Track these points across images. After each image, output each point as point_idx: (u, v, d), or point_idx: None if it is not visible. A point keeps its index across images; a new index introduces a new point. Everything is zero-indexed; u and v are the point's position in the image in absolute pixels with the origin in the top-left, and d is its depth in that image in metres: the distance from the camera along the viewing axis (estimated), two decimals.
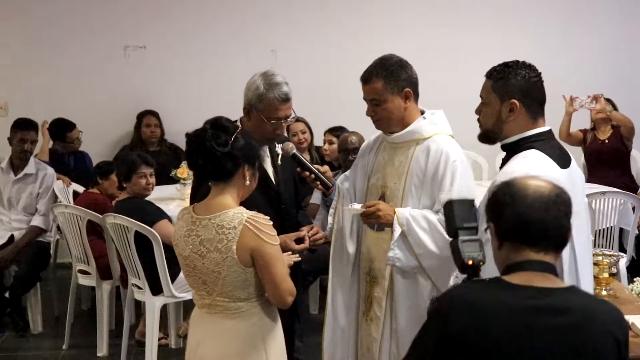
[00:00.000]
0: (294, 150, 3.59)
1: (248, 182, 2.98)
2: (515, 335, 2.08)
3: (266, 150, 3.64)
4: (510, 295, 2.12)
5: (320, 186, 3.60)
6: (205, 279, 2.93)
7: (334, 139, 6.32)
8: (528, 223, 2.17)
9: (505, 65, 2.98)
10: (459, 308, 2.14)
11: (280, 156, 3.66)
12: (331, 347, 3.69)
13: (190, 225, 2.94)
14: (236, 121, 3.34)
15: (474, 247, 2.44)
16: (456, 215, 2.56)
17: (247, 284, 2.90)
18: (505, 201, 2.20)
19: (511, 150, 2.89)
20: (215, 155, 2.87)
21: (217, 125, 2.93)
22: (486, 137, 3.01)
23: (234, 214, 2.87)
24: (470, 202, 2.61)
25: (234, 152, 2.89)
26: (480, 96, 3.01)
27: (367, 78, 3.41)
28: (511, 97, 2.90)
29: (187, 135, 2.97)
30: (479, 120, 3.01)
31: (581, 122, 7.11)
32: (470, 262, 2.41)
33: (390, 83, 3.37)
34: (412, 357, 2.25)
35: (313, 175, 3.56)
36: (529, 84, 2.92)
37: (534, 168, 2.65)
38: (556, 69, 7.64)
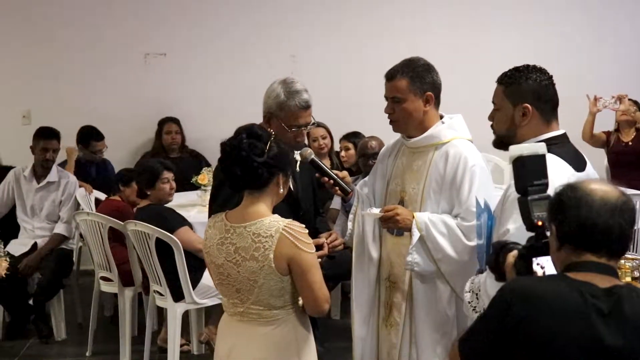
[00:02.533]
0: (313, 156, 3.58)
1: (282, 190, 2.98)
2: (576, 331, 2.07)
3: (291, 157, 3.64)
4: (572, 291, 2.10)
5: (339, 192, 3.59)
6: (239, 287, 2.92)
7: (350, 145, 6.32)
8: (592, 228, 2.14)
9: (516, 69, 2.97)
10: (520, 299, 2.12)
11: (298, 163, 3.65)
12: (362, 353, 3.68)
13: (224, 234, 2.93)
14: None
15: (543, 206, 2.34)
16: (527, 171, 2.43)
17: (283, 292, 2.90)
18: (571, 204, 2.17)
19: None
20: (252, 165, 2.87)
21: (252, 133, 2.92)
22: (500, 142, 3.00)
23: (270, 222, 2.87)
24: (542, 158, 2.45)
25: (270, 160, 2.89)
26: (493, 102, 3.01)
27: (392, 75, 3.42)
28: (523, 102, 2.89)
29: (222, 144, 2.95)
30: (492, 126, 3.00)
31: (605, 123, 7.05)
32: (539, 223, 2.32)
33: (414, 84, 3.37)
34: (469, 344, 2.23)
35: (332, 181, 3.55)
36: (541, 87, 2.91)
37: (549, 171, 2.63)
38: (579, 69, 7.66)
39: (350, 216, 3.61)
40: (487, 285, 2.67)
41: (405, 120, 3.42)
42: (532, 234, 2.34)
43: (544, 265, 2.28)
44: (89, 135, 6.94)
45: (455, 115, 3.50)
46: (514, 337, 2.11)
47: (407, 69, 3.40)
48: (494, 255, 2.48)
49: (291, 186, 3.60)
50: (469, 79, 7.34)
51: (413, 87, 3.37)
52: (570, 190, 2.21)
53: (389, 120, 3.48)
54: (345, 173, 3.65)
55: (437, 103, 3.46)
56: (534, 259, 2.29)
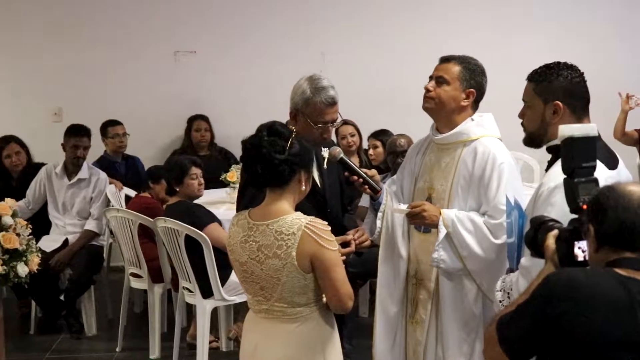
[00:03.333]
0: (342, 155, 3.57)
1: (304, 187, 2.98)
2: (620, 326, 2.06)
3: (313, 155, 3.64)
4: (618, 286, 2.10)
5: (368, 190, 3.58)
6: (263, 285, 2.93)
7: (378, 143, 6.30)
8: (632, 229, 2.14)
9: (547, 67, 2.94)
10: (564, 291, 2.11)
11: (325, 160, 3.65)
12: (382, 353, 3.67)
13: (247, 231, 2.94)
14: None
15: (590, 189, 2.31)
16: (576, 152, 2.38)
17: (306, 289, 2.91)
18: (609, 205, 2.16)
19: (557, 153, 2.85)
20: (273, 162, 2.87)
21: (273, 131, 2.92)
22: (531, 140, 2.98)
23: (292, 220, 2.87)
24: (593, 140, 2.41)
25: (291, 158, 2.89)
26: (523, 100, 2.99)
27: (448, 58, 3.46)
28: (554, 99, 2.87)
29: (244, 142, 2.96)
30: (522, 124, 2.98)
31: (637, 122, 6.97)
32: (585, 207, 2.29)
33: (465, 74, 3.40)
34: (509, 328, 2.22)
35: (361, 179, 3.54)
36: (572, 84, 2.89)
37: None
38: (611, 66, 7.58)
39: (379, 214, 3.60)
40: (520, 284, 2.66)
41: (440, 103, 3.41)
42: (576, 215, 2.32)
43: (585, 249, 2.26)
44: (105, 125, 7.01)
45: (485, 114, 3.49)
46: (555, 328, 2.10)
47: (464, 60, 3.44)
48: (532, 231, 2.46)
49: (318, 183, 3.60)
50: (498, 77, 7.28)
51: (462, 76, 3.39)
52: (608, 192, 2.20)
53: (424, 96, 3.45)
54: (374, 171, 3.64)
55: (474, 105, 3.45)
56: (575, 242, 2.27)
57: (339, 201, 3.78)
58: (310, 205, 3.23)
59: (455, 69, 3.40)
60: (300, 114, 3.55)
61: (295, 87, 3.59)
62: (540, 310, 2.13)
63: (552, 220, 2.44)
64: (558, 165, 2.74)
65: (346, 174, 3.56)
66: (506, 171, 3.30)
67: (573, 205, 2.34)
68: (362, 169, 3.59)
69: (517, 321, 2.20)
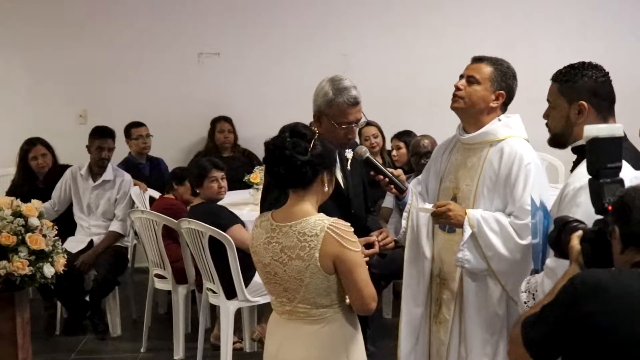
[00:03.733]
0: (367, 154, 3.57)
1: (326, 188, 2.98)
2: None
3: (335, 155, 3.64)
4: None
5: (394, 190, 3.56)
6: (286, 286, 2.93)
7: (401, 144, 6.29)
8: None
9: (571, 67, 2.93)
10: (590, 292, 2.09)
11: (349, 161, 3.65)
12: (406, 353, 3.66)
13: (270, 233, 2.94)
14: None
15: (615, 190, 2.29)
16: (602, 153, 2.37)
17: (329, 290, 2.90)
18: (635, 206, 2.14)
19: (582, 153, 2.83)
20: (296, 163, 2.87)
21: (295, 132, 2.92)
22: (556, 141, 2.97)
23: (315, 221, 2.87)
24: (618, 140, 2.40)
25: (313, 159, 2.89)
26: (548, 100, 2.97)
27: (480, 58, 3.45)
28: (579, 99, 2.85)
29: (266, 143, 2.96)
30: (547, 124, 2.97)
31: None
32: (610, 208, 2.27)
33: (496, 75, 3.39)
34: (534, 329, 2.21)
35: (387, 179, 3.53)
36: (597, 84, 2.87)
37: None
38: (637, 67, 7.51)
39: (404, 214, 3.59)
40: (545, 285, 2.64)
41: (469, 102, 3.40)
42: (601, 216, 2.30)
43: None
44: (129, 126, 7.08)
45: (512, 115, 3.47)
46: (580, 329, 2.08)
47: (497, 62, 3.43)
48: (555, 231, 2.44)
49: (342, 185, 3.60)
50: (522, 78, 7.25)
51: (493, 77, 3.38)
52: (633, 192, 2.18)
53: (453, 94, 3.44)
54: (399, 171, 3.63)
55: (503, 107, 3.44)
56: None
57: (362, 202, 3.77)
58: (334, 206, 3.23)
59: (487, 69, 3.39)
60: (323, 116, 3.55)
61: (318, 89, 3.59)
62: (565, 311, 2.11)
63: (576, 220, 2.43)
64: (583, 166, 2.71)
65: (372, 173, 3.55)
66: (533, 172, 3.29)
67: (598, 206, 2.32)
68: (388, 169, 3.58)
69: (542, 322, 2.19)
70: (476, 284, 3.39)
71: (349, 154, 3.66)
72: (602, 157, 2.36)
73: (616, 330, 2.05)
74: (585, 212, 2.52)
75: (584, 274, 2.23)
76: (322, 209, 2.99)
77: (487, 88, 3.38)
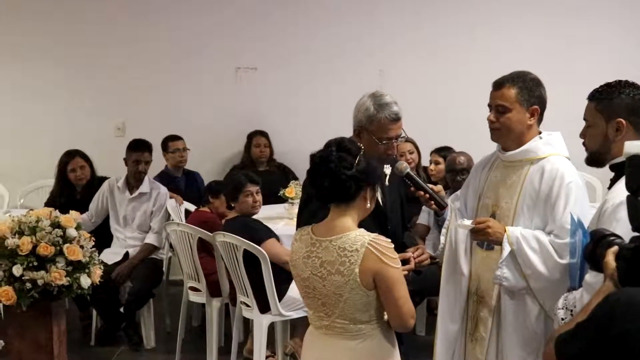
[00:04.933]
0: (408, 170, 3.55)
1: (369, 204, 2.98)
2: None
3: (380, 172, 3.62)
4: None
5: (434, 206, 3.55)
6: (325, 301, 2.93)
7: (440, 160, 6.27)
8: None
9: (608, 85, 2.92)
10: (624, 311, 2.05)
11: (387, 177, 3.64)
12: None
13: (310, 247, 2.94)
14: None
15: None
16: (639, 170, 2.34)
17: (368, 306, 2.90)
18: None
19: (621, 170, 2.80)
20: (340, 177, 2.87)
21: (342, 147, 2.93)
22: (593, 159, 2.95)
23: (355, 237, 2.87)
24: None
25: (358, 174, 2.89)
26: (585, 119, 2.96)
27: (500, 83, 3.37)
28: (617, 116, 2.84)
29: (312, 156, 2.97)
30: (584, 143, 2.95)
31: None
32: None
33: (523, 94, 3.32)
34: (569, 346, 2.16)
35: (427, 195, 3.52)
36: (635, 101, 2.86)
37: None
38: None
39: (443, 230, 3.58)
40: (584, 301, 2.62)
41: (508, 130, 3.37)
42: (638, 234, 2.27)
43: None
44: (166, 140, 7.15)
45: (554, 132, 3.43)
46: (615, 348, 2.05)
47: (517, 79, 3.35)
48: (591, 244, 2.42)
49: (380, 200, 3.59)
50: (559, 97, 7.19)
51: (521, 97, 3.32)
52: None
53: (489, 128, 3.42)
54: (440, 187, 3.61)
55: (540, 118, 3.40)
56: None
57: (399, 218, 3.76)
58: (371, 221, 3.22)
59: (512, 92, 3.33)
60: (364, 131, 3.56)
61: (359, 105, 3.60)
62: (600, 330, 2.08)
63: (613, 234, 2.40)
64: (622, 182, 2.69)
65: (412, 189, 3.53)
66: (574, 191, 3.25)
67: (635, 223, 2.29)
68: (428, 185, 3.57)
69: (576, 340, 2.16)
70: (514, 302, 3.36)
71: (387, 169, 3.65)
72: None
73: None
74: (625, 227, 2.49)
75: (618, 292, 2.19)
76: (359, 224, 2.99)
77: (519, 110, 3.33)
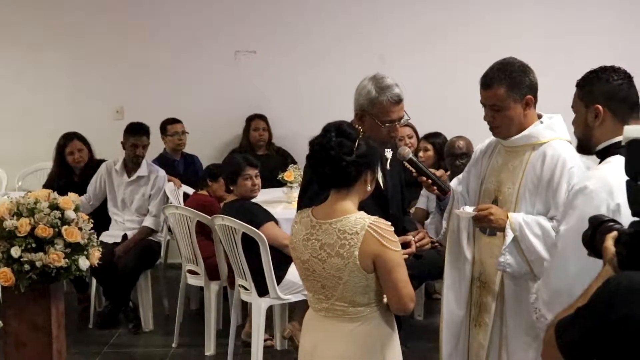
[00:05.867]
0: (411, 155, 3.54)
1: (369, 187, 2.98)
2: None
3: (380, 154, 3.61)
4: None
5: (436, 190, 3.54)
6: (324, 283, 2.93)
7: (429, 146, 6.21)
8: None
9: (590, 72, 2.89)
10: (624, 295, 2.05)
11: (389, 160, 3.63)
12: (446, 356, 3.64)
13: (310, 229, 2.94)
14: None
15: None
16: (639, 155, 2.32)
17: (367, 289, 2.90)
18: None
19: (604, 156, 2.80)
20: (341, 164, 2.87)
21: (341, 131, 2.91)
22: (581, 147, 2.95)
23: (355, 219, 2.87)
24: None
25: (358, 159, 2.88)
26: (571, 107, 2.95)
27: (488, 84, 3.32)
28: (595, 103, 2.81)
29: (311, 143, 2.96)
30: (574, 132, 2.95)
31: None
32: None
33: (513, 90, 3.28)
34: (569, 330, 2.17)
35: (430, 180, 3.50)
36: (613, 87, 2.81)
37: (612, 174, 2.58)
38: None
39: (445, 215, 3.58)
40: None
41: (507, 126, 3.35)
42: (637, 218, 2.27)
43: None
44: (164, 123, 7.14)
45: (554, 115, 3.41)
46: (616, 332, 2.05)
47: (503, 74, 3.29)
48: (590, 230, 2.42)
49: (381, 184, 3.58)
50: (561, 87, 7.17)
51: (512, 93, 3.28)
52: None
53: (489, 126, 3.40)
54: (442, 171, 3.60)
55: (535, 103, 3.37)
56: None
57: (400, 202, 3.76)
58: (373, 204, 3.21)
59: (501, 91, 3.28)
60: (366, 115, 3.53)
61: (360, 88, 3.57)
62: (600, 314, 2.09)
63: (612, 220, 2.40)
64: (594, 169, 2.75)
65: (414, 174, 3.52)
66: (576, 175, 3.23)
67: (635, 209, 2.29)
68: (430, 169, 3.55)
69: (577, 325, 2.16)
70: (517, 287, 3.36)
71: (388, 153, 3.64)
72: None
73: None
74: (577, 216, 2.58)
75: (618, 276, 2.19)
76: (360, 207, 2.99)
77: (514, 106, 3.30)
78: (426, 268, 4.68)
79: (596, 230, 2.38)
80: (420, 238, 3.51)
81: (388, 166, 3.64)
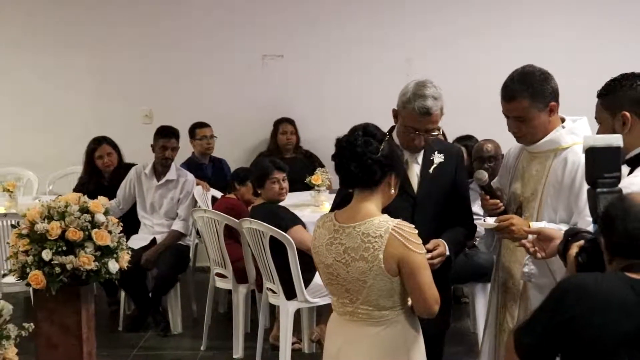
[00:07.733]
0: (487, 180, 3.44)
1: (392, 191, 2.98)
2: (627, 328, 2.05)
3: (417, 157, 3.59)
4: (626, 288, 2.09)
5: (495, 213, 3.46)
6: (348, 287, 2.93)
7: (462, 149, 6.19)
8: (639, 239, 2.11)
9: (612, 80, 2.87)
10: (574, 295, 2.12)
11: (434, 167, 3.58)
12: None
13: (333, 234, 2.95)
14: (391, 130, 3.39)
15: (612, 200, 2.30)
16: (598, 163, 2.39)
17: (392, 292, 2.90)
18: (617, 215, 2.14)
19: (634, 165, 2.76)
20: (366, 162, 2.88)
21: (367, 131, 2.94)
22: None
23: (379, 222, 2.87)
24: (617, 150, 2.40)
25: (383, 159, 2.90)
26: (595, 118, 2.91)
27: (511, 96, 3.29)
28: (621, 110, 2.78)
29: (338, 140, 2.98)
30: None
31: None
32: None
33: (536, 100, 3.26)
34: (525, 334, 2.23)
35: (501, 207, 3.40)
36: (637, 92, 2.79)
37: None
38: None
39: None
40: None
41: (533, 135, 3.33)
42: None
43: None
44: (193, 127, 7.17)
45: (579, 118, 3.38)
46: (567, 332, 2.11)
47: (524, 86, 3.26)
48: (564, 242, 2.45)
49: (414, 187, 3.54)
50: (587, 92, 7.12)
51: (536, 104, 3.26)
52: (619, 202, 2.19)
53: (515, 137, 3.39)
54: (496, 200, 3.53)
55: (557, 106, 3.35)
56: None
57: (432, 209, 3.58)
58: (396, 206, 3.18)
59: (525, 104, 3.26)
60: (399, 115, 3.53)
61: (404, 87, 3.53)
62: (552, 315, 2.14)
63: (586, 231, 2.43)
64: (631, 176, 2.71)
65: (487, 198, 3.44)
66: None
67: (594, 216, 2.33)
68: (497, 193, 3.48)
69: (532, 327, 2.23)
70: (541, 294, 3.34)
71: (437, 158, 3.59)
72: (598, 167, 2.37)
73: (601, 331, 2.06)
74: None
75: (568, 278, 2.27)
76: (385, 209, 2.98)
77: (538, 115, 3.27)
78: (454, 272, 4.64)
79: (569, 242, 2.44)
80: (434, 248, 3.39)
81: (431, 171, 3.57)
